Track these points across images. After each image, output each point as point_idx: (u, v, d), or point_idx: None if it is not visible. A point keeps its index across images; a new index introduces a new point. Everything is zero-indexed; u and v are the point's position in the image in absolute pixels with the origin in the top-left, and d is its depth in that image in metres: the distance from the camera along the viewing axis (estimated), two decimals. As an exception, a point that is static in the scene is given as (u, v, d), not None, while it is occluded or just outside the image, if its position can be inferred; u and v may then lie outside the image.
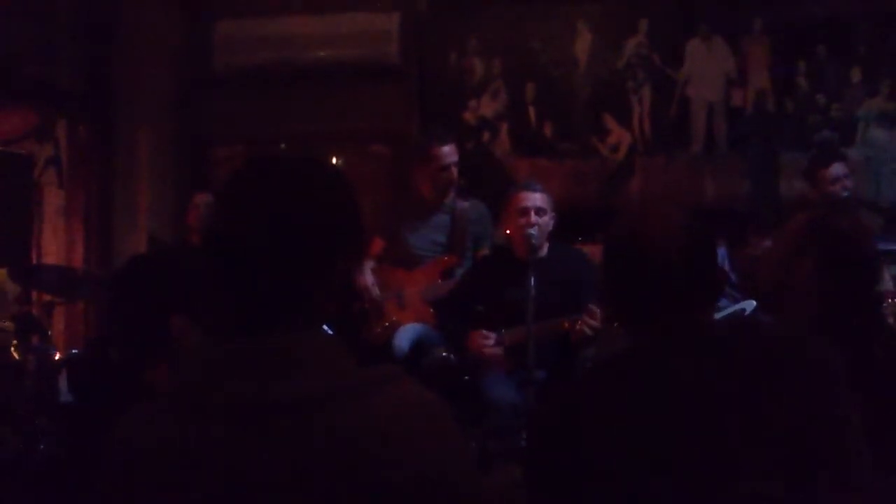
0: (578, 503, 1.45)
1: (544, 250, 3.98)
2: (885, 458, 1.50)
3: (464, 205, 4.48)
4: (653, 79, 5.96)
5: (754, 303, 3.90)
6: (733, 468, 1.39)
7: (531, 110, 6.08)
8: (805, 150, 5.55)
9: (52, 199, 5.84)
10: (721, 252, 4.43)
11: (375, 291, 4.41)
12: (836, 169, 4.53)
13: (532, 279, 3.62)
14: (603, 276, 1.66)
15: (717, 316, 3.64)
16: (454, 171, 4.38)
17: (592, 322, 3.66)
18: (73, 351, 4.45)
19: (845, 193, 4.54)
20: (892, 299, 3.79)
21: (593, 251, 3.97)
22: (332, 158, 6.11)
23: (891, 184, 5.67)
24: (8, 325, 4.20)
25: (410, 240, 4.46)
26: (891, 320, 3.66)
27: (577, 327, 3.68)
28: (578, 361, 3.84)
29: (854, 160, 5.50)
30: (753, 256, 4.37)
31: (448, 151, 4.35)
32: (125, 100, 5.94)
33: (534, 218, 3.87)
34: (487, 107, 6.11)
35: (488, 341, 3.87)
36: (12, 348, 4.10)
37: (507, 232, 4.02)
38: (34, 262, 5.62)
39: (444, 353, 3.96)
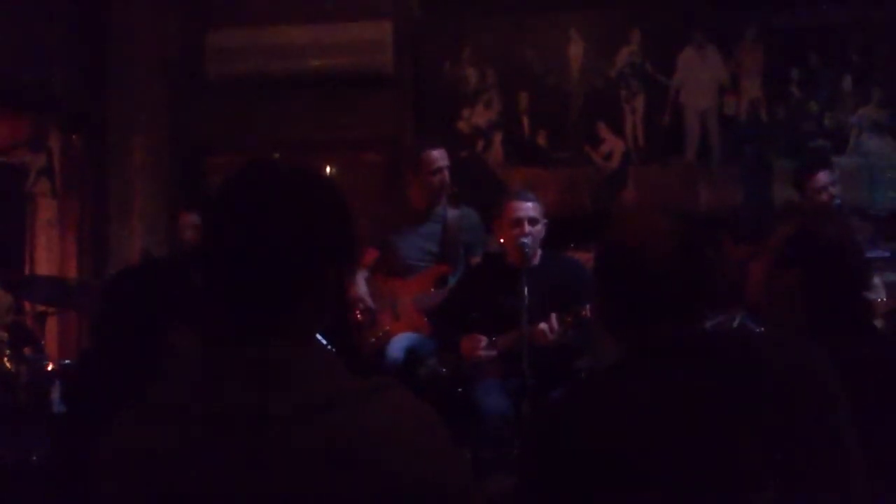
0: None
1: (537, 258, 3.98)
2: (876, 465, 1.50)
3: (455, 213, 4.49)
4: (646, 87, 5.97)
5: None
6: (727, 478, 1.39)
7: (525, 119, 6.09)
8: (798, 158, 5.57)
9: (45, 210, 5.82)
10: None
11: (369, 301, 4.40)
12: (822, 177, 4.58)
13: (525, 287, 3.63)
14: (595, 285, 1.66)
15: (710, 324, 3.65)
16: (446, 174, 4.40)
17: (547, 333, 3.67)
18: (66, 361, 4.43)
19: (836, 202, 4.56)
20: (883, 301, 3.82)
21: (586, 259, 3.97)
22: (325, 167, 6.11)
23: (883, 191, 5.69)
24: (0, 335, 4.19)
25: (402, 249, 4.46)
26: (879, 322, 3.67)
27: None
28: (573, 371, 3.84)
29: (846, 167, 5.53)
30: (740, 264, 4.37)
31: (438, 155, 4.39)
32: (119, 109, 5.93)
33: (527, 228, 3.88)
34: (481, 116, 6.11)
35: (480, 344, 3.88)
36: (5, 358, 4.08)
37: (501, 241, 4.02)
38: (27, 272, 5.60)
39: (436, 366, 3.98)
